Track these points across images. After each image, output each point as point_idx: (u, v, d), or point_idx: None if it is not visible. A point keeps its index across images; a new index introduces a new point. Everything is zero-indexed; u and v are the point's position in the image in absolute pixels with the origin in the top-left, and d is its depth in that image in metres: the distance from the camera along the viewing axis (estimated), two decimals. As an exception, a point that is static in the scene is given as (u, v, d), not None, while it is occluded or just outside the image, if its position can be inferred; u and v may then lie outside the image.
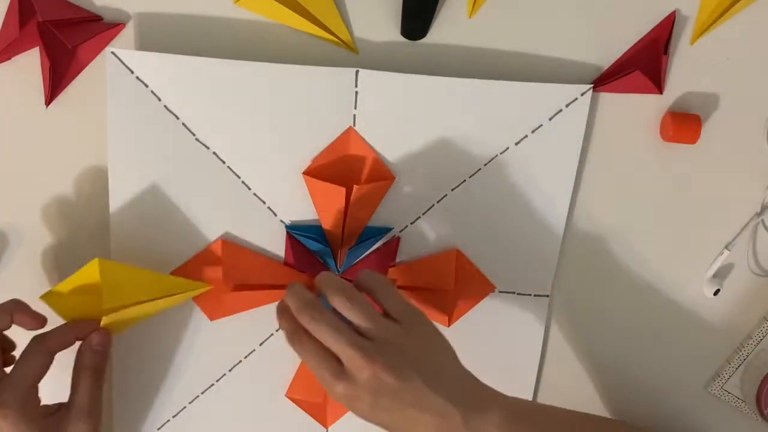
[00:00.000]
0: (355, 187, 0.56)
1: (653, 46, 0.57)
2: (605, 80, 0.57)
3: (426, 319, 0.50)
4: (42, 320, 0.52)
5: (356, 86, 0.55)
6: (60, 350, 0.52)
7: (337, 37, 0.55)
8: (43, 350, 0.51)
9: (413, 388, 0.46)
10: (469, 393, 0.48)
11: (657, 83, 0.56)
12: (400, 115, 0.56)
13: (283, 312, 0.50)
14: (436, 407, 0.46)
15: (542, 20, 0.56)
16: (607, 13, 0.57)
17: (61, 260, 0.58)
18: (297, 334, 0.49)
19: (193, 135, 0.56)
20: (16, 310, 0.52)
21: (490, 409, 0.48)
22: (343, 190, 0.56)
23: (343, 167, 0.56)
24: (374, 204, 0.57)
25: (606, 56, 0.57)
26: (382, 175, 0.57)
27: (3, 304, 0.52)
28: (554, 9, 0.56)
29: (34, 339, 0.51)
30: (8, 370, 0.50)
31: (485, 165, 0.57)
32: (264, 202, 0.57)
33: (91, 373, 0.52)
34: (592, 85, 0.56)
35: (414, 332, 0.48)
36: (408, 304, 0.50)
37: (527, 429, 0.49)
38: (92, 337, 0.53)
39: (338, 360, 0.47)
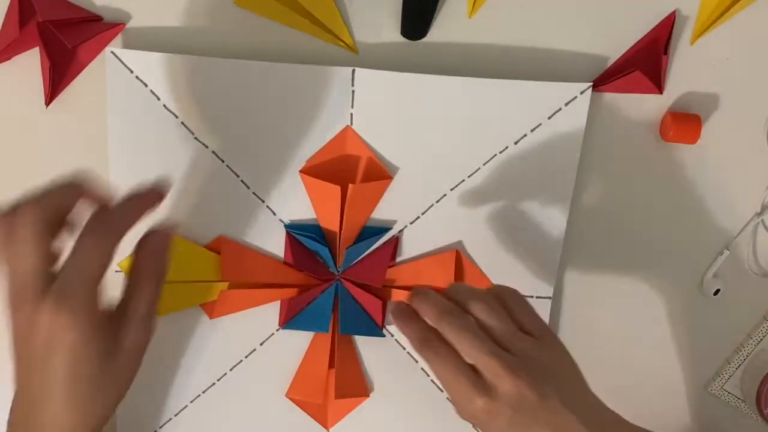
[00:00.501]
0: (351, 186, 0.56)
1: (653, 46, 0.57)
2: (605, 80, 0.57)
3: (558, 338, 0.49)
4: (109, 197, 0.43)
5: (353, 85, 0.55)
6: (127, 230, 0.42)
7: (337, 37, 0.55)
8: (112, 233, 0.41)
9: (551, 407, 0.44)
10: (598, 416, 0.47)
11: (657, 83, 0.56)
12: (397, 114, 0.56)
13: (409, 317, 0.48)
14: (570, 428, 0.45)
15: (542, 20, 0.56)
16: (607, 13, 0.57)
17: (62, 260, 0.58)
18: (431, 341, 0.46)
19: (192, 134, 0.56)
20: (84, 186, 0.42)
21: None
22: (338, 188, 0.56)
23: (340, 166, 0.56)
24: (372, 203, 0.57)
25: (606, 56, 0.57)
26: (379, 174, 0.57)
27: (68, 179, 0.42)
28: (554, 9, 0.56)
29: (94, 219, 0.42)
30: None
31: (484, 164, 0.57)
32: (263, 201, 0.57)
33: (155, 279, 0.45)
34: (591, 84, 0.56)
35: (549, 350, 0.47)
36: (543, 322, 0.49)
37: None
38: (154, 238, 0.45)
39: (475, 371, 0.45)
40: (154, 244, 0.45)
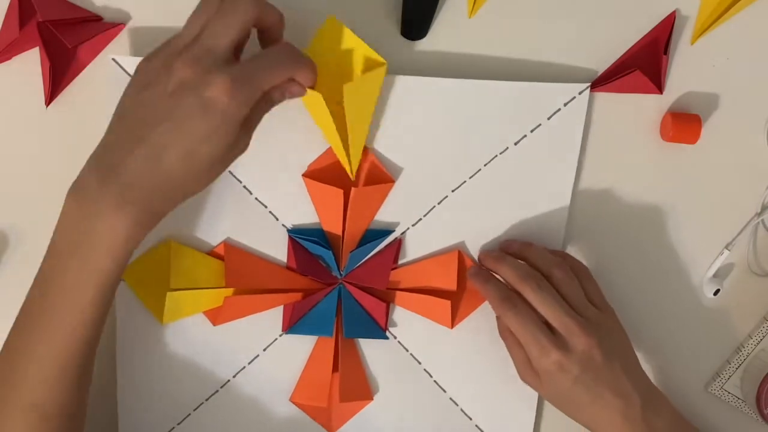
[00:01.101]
0: (353, 189, 0.55)
1: (653, 46, 0.57)
2: (605, 80, 0.57)
3: (617, 317, 0.55)
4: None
5: None
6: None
7: (348, 157, 0.54)
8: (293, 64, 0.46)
9: (613, 370, 0.51)
10: (648, 388, 0.53)
11: (657, 83, 0.56)
12: (398, 117, 0.56)
13: (488, 278, 0.54)
14: (626, 393, 0.51)
15: (542, 20, 0.56)
16: (608, 13, 0.57)
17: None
18: (512, 299, 0.52)
19: None
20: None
21: (662, 407, 0.53)
22: (341, 192, 0.56)
23: (343, 170, 0.56)
24: (374, 207, 0.57)
25: (606, 56, 0.57)
26: (381, 178, 0.57)
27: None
28: (554, 9, 0.56)
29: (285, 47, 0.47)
30: None
31: (485, 165, 0.57)
32: (265, 207, 0.57)
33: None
34: (589, 84, 0.56)
35: (612, 322, 0.54)
36: (605, 299, 0.55)
37: None
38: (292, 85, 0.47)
39: (550, 328, 0.51)
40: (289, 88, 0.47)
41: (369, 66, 0.53)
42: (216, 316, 0.58)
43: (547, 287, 0.52)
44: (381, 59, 0.53)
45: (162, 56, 0.44)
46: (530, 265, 0.54)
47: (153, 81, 0.43)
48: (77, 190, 0.44)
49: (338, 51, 0.53)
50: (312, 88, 0.48)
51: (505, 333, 0.55)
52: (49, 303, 0.45)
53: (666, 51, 0.56)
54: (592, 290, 0.54)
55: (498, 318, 0.56)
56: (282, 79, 0.46)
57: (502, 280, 0.55)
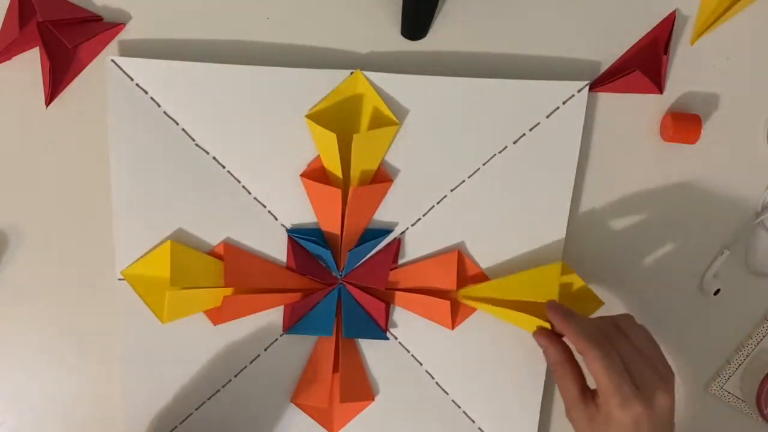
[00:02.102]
0: (351, 188, 0.56)
1: (653, 46, 0.57)
2: (605, 80, 0.57)
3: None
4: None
5: None
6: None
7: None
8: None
9: (670, 423, 0.50)
10: None
11: (657, 83, 0.56)
12: (396, 116, 0.56)
13: (571, 313, 0.53)
14: None
15: (543, 20, 0.56)
16: (608, 13, 0.57)
17: (62, 260, 0.58)
18: (607, 343, 0.50)
19: (193, 140, 0.56)
20: None
21: None
22: (338, 191, 0.56)
23: (341, 171, 0.56)
24: (372, 206, 0.57)
25: (606, 56, 0.57)
26: (379, 177, 0.57)
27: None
28: (555, 9, 0.56)
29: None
30: None
31: (484, 164, 0.57)
32: (264, 206, 0.57)
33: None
34: (588, 82, 0.56)
35: (667, 392, 0.51)
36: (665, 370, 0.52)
37: None
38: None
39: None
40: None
41: (382, 123, 0.55)
42: (216, 316, 0.58)
43: (627, 348, 0.51)
44: (395, 119, 0.55)
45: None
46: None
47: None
48: None
49: (357, 102, 0.55)
50: None
51: (558, 364, 0.54)
52: None
53: (666, 51, 0.56)
54: (657, 356, 0.52)
55: (546, 348, 0.55)
56: None
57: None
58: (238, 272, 0.57)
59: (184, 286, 0.56)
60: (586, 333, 0.51)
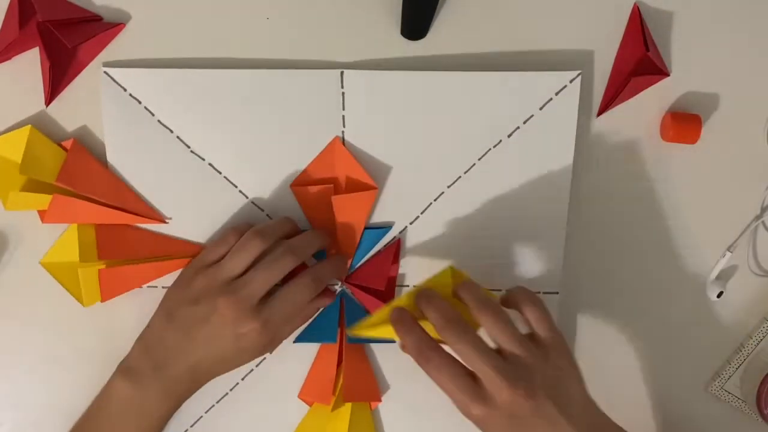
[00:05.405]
0: (333, 197, 0.55)
1: (633, 47, 0.56)
2: (608, 103, 0.57)
3: (566, 346, 0.51)
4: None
5: (342, 87, 0.55)
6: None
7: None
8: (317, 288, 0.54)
9: (548, 415, 0.47)
10: (593, 422, 0.50)
11: (658, 71, 0.55)
12: (388, 114, 0.56)
13: (409, 329, 0.49)
14: None
15: (543, 20, 0.56)
16: (587, 6, 0.56)
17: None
18: (426, 352, 0.48)
19: (188, 147, 0.56)
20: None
21: None
22: (326, 200, 0.55)
23: (329, 178, 0.56)
24: (361, 213, 0.57)
25: (598, 44, 0.57)
26: (364, 185, 0.56)
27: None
28: (554, 9, 0.56)
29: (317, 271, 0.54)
30: None
31: (479, 159, 0.57)
32: (262, 210, 0.57)
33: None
34: (580, 72, 0.56)
35: (553, 359, 0.49)
36: (554, 330, 0.50)
37: None
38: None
39: (473, 378, 0.47)
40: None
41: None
42: (106, 293, 0.57)
43: (470, 335, 0.47)
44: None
45: (203, 280, 0.53)
46: (464, 306, 0.50)
47: (201, 300, 0.52)
48: (131, 372, 0.53)
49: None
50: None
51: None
52: None
53: (647, 47, 0.54)
54: (537, 322, 0.50)
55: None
56: (305, 308, 0.55)
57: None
58: (111, 244, 0.57)
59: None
60: (416, 348, 0.49)
